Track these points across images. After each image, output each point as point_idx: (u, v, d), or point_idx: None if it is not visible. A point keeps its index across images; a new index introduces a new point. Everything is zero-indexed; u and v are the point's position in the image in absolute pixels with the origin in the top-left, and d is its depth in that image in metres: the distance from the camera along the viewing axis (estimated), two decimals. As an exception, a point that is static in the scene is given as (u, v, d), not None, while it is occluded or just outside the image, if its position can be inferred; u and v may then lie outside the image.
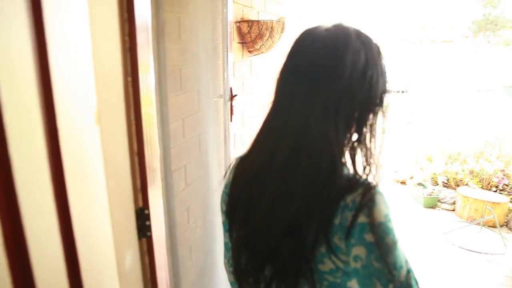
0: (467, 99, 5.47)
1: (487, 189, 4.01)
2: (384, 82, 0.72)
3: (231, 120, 1.87)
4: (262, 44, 2.12)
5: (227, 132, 1.85)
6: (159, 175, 1.07)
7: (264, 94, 2.66)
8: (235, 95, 1.84)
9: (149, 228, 1.02)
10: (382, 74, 0.72)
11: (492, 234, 3.47)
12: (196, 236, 1.80)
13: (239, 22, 2.07)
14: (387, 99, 0.73)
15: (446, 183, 4.23)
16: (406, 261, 0.68)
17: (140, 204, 1.01)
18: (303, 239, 0.68)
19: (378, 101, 0.71)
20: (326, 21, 0.75)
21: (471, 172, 4.13)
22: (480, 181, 4.05)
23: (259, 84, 2.53)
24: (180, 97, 1.50)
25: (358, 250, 0.65)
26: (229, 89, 1.81)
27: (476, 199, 3.63)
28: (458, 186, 4.07)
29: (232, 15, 1.89)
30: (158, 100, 1.16)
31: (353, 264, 0.67)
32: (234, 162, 0.91)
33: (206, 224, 1.84)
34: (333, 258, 0.68)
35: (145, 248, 1.05)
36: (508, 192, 3.99)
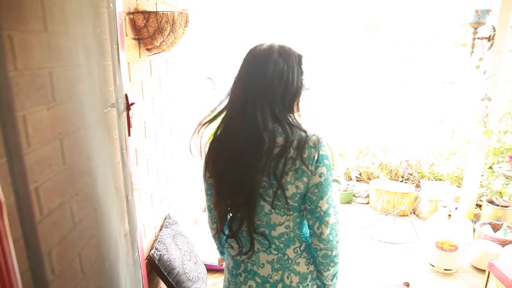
0: (373, 93, 5.74)
1: (394, 180, 4.20)
2: (301, 80, 1.16)
3: (129, 134, 1.50)
4: (163, 41, 1.78)
5: (125, 150, 1.48)
6: (9, 240, 0.70)
7: (168, 99, 2.31)
8: (132, 103, 1.48)
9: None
10: (299, 74, 1.15)
11: (404, 223, 3.60)
12: (95, 286, 1.41)
13: (132, 13, 1.70)
14: (304, 91, 1.17)
15: (359, 178, 4.33)
16: None
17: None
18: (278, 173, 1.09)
19: (297, 92, 1.15)
20: (264, 40, 1.17)
21: (380, 165, 4.29)
22: (388, 173, 4.23)
23: (162, 87, 2.18)
24: (54, 110, 1.10)
25: (322, 170, 1.09)
26: (124, 97, 1.44)
27: (388, 191, 3.75)
28: (370, 179, 4.19)
29: (122, 4, 1.53)
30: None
31: (318, 180, 1.10)
32: (208, 144, 1.21)
33: (107, 269, 1.45)
34: (297, 182, 1.10)
35: None
36: (412, 181, 4.24)
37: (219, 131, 1.18)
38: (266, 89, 1.08)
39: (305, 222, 1.21)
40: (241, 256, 1.25)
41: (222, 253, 1.51)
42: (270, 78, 1.08)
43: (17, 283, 0.86)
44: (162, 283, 2.13)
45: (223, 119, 1.17)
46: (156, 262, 1.98)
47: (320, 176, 1.09)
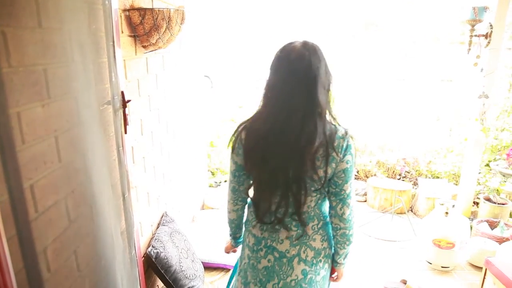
0: (370, 91, 5.74)
1: (392, 177, 4.20)
2: (331, 75, 1.28)
3: (125, 132, 1.50)
4: (159, 38, 1.77)
5: (121, 148, 1.47)
6: (3, 238, 0.69)
7: (165, 96, 2.30)
8: (129, 101, 1.47)
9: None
10: (329, 70, 1.27)
11: (401, 221, 3.61)
12: (91, 284, 1.40)
13: (128, 10, 1.69)
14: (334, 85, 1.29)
15: (356, 175, 4.33)
16: None
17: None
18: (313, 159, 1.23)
19: (331, 86, 1.28)
20: (295, 38, 1.28)
21: (378, 163, 4.29)
22: (386, 171, 4.23)
23: (159, 85, 2.17)
24: (49, 107, 1.10)
25: (348, 157, 1.26)
26: (120, 94, 1.43)
27: (385, 189, 3.75)
28: (368, 177, 4.19)
29: (118, 1, 1.51)
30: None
31: (345, 166, 1.27)
32: (240, 129, 1.34)
33: (103, 266, 1.45)
34: (327, 168, 1.24)
35: None
36: (410, 178, 4.24)
37: (258, 126, 1.28)
38: (320, 84, 1.21)
39: (323, 203, 1.37)
40: (262, 233, 1.40)
41: (235, 238, 1.61)
42: (321, 74, 1.22)
43: (11, 281, 0.86)
44: (159, 281, 2.12)
45: (268, 115, 1.26)
46: (153, 260, 1.98)
47: (347, 163, 1.26)
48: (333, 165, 1.25)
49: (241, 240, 1.59)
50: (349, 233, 1.36)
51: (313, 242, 1.36)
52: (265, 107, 1.28)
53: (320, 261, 1.39)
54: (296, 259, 1.36)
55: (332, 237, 1.41)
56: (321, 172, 1.24)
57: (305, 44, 1.24)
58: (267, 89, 1.27)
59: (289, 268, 1.37)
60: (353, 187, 1.32)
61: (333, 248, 1.44)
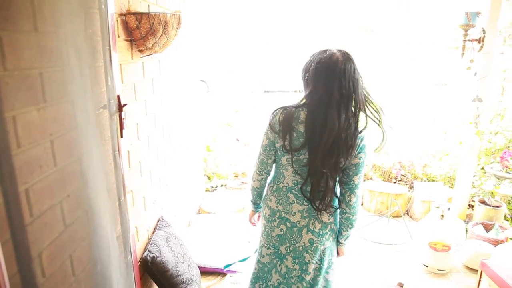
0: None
1: (388, 181, 4.21)
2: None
3: (121, 136, 1.49)
4: (155, 42, 1.77)
5: (117, 152, 1.47)
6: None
7: (161, 101, 2.30)
8: (125, 105, 1.47)
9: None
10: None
11: (398, 224, 3.61)
12: (88, 287, 1.39)
13: (124, 14, 1.70)
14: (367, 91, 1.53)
15: (352, 179, 4.33)
16: None
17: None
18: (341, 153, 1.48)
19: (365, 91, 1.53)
20: (331, 46, 1.52)
21: (374, 166, 4.30)
22: (381, 174, 4.24)
23: (155, 89, 2.17)
24: (45, 111, 1.09)
25: (361, 155, 1.52)
26: (116, 98, 1.43)
27: (381, 193, 3.76)
28: (364, 181, 4.20)
29: (114, 5, 1.52)
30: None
31: (357, 161, 1.52)
32: (279, 111, 1.57)
33: (99, 271, 1.44)
34: (346, 161, 1.50)
35: None
36: (405, 182, 4.25)
37: (305, 116, 1.50)
38: (360, 87, 1.47)
39: (334, 186, 1.59)
40: (277, 207, 1.66)
41: (256, 204, 1.84)
42: (360, 78, 1.48)
43: (5, 286, 0.86)
44: (156, 285, 2.11)
45: (314, 113, 1.47)
46: (149, 264, 1.97)
47: (359, 159, 1.53)
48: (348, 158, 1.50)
49: (260, 206, 1.82)
50: (352, 218, 1.60)
51: (321, 216, 1.60)
52: (311, 107, 1.48)
53: (326, 233, 1.63)
54: (305, 229, 1.62)
55: (338, 220, 1.65)
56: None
57: (346, 53, 1.47)
58: (313, 92, 1.48)
59: (298, 236, 1.63)
60: (361, 180, 1.56)
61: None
